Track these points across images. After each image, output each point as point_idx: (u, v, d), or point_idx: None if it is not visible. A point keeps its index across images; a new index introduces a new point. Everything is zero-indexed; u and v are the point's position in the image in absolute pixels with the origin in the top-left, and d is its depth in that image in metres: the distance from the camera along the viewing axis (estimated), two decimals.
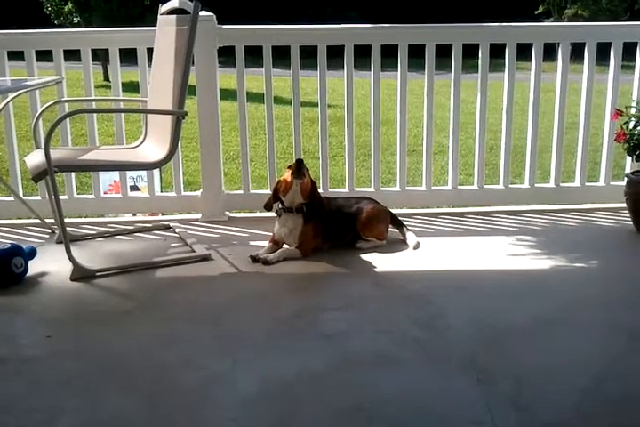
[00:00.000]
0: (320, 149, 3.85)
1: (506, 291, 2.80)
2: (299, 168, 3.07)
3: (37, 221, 3.61)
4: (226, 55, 3.77)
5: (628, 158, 3.70)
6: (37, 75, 3.61)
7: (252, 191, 3.88)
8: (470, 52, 3.78)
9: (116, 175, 4.18)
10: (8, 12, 19.00)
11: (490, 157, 4.44)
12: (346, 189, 3.85)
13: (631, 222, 3.51)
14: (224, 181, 3.85)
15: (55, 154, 2.92)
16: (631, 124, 3.43)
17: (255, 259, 3.10)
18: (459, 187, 3.93)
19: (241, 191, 3.89)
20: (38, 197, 3.79)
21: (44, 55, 3.68)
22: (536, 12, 21.21)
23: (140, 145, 3.42)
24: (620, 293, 2.80)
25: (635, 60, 3.78)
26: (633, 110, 3.47)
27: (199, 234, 3.53)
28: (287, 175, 3.11)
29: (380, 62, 3.71)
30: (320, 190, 3.62)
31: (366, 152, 4.33)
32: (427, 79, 3.74)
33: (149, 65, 3.48)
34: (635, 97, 3.71)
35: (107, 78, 13.31)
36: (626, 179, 3.55)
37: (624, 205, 3.56)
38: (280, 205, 3.19)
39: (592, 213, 3.80)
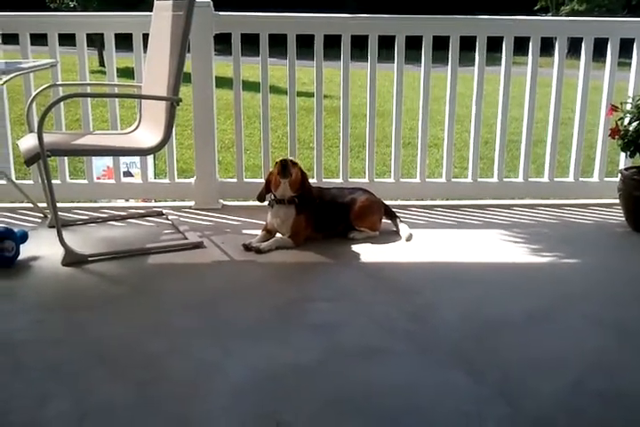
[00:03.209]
0: (315, 139, 3.84)
1: (497, 285, 2.81)
2: (283, 170, 3.05)
3: (30, 205, 3.60)
4: (222, 43, 3.75)
5: (622, 154, 3.71)
6: (32, 58, 3.58)
7: (245, 180, 3.88)
8: (468, 45, 3.77)
9: (109, 161, 4.16)
10: None
11: (485, 150, 4.44)
12: (340, 180, 3.85)
13: (624, 218, 3.53)
14: (218, 169, 3.84)
15: (48, 138, 2.90)
16: (626, 121, 3.43)
17: (248, 247, 3.10)
18: (453, 180, 3.94)
19: (235, 180, 3.88)
20: (31, 182, 3.78)
21: (39, 39, 3.65)
22: (535, 8, 21.20)
23: (134, 131, 3.40)
24: (610, 288, 2.80)
25: (631, 57, 3.78)
26: (628, 106, 3.47)
27: (192, 221, 3.53)
28: (276, 170, 3.10)
29: (376, 53, 3.69)
30: (314, 180, 3.62)
31: (361, 143, 4.32)
32: (423, 71, 3.73)
33: (145, 51, 3.46)
34: (630, 93, 3.71)
35: (102, 64, 13.22)
36: (619, 175, 3.56)
37: (617, 201, 3.57)
38: (272, 197, 3.18)
39: (585, 209, 3.81)
